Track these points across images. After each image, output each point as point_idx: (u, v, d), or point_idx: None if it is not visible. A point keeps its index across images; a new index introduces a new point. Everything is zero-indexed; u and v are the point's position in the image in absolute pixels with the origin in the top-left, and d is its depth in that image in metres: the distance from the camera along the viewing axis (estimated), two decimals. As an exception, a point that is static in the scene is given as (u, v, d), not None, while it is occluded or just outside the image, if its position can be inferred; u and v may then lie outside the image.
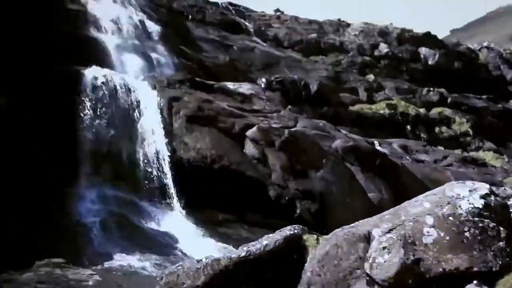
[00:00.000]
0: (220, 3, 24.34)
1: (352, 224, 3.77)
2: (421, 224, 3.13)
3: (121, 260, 7.11)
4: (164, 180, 9.47)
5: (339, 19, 26.83)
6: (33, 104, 9.67)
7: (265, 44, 21.32)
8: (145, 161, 9.67)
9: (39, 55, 10.88)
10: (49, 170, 8.87)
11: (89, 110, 10.04)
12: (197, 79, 12.73)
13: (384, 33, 24.67)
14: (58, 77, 10.51)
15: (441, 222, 3.10)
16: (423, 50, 23.84)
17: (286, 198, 9.62)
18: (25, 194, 8.25)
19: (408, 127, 18.21)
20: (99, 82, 10.56)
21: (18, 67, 10.10)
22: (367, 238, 3.42)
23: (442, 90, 20.69)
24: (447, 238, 3.00)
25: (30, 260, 6.32)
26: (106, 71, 11.30)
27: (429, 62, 23.37)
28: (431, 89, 20.61)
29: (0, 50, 10.11)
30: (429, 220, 3.15)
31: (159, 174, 9.53)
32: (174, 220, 8.96)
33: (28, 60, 10.50)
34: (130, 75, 12.28)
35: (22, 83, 9.92)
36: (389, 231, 3.18)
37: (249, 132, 10.48)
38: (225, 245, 8.27)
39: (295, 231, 4.04)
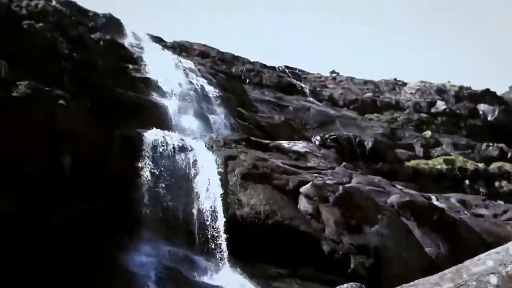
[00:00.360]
0: (277, 67, 25.07)
1: (412, 283, 3.60)
2: (484, 284, 3.03)
3: None
4: (218, 235, 9.62)
5: (395, 79, 26.94)
6: (96, 163, 10.20)
7: (320, 104, 21.65)
8: (200, 217, 9.91)
9: (103, 119, 11.53)
10: (108, 226, 9.27)
11: (148, 168, 10.51)
12: (252, 138, 13.06)
13: (441, 91, 24.54)
14: (121, 138, 11.10)
15: (505, 282, 2.99)
16: (482, 107, 23.52)
17: (340, 252, 9.53)
18: (84, 247, 8.65)
19: (467, 181, 17.78)
20: (158, 143, 11.07)
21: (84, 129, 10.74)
22: None
23: (502, 145, 20.23)
24: None
25: None
26: (165, 132, 11.82)
27: (488, 118, 22.99)
28: (490, 144, 20.20)
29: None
30: (493, 279, 3.04)
31: (213, 229, 9.71)
32: (226, 275, 9.00)
33: (94, 124, 11.12)
34: (188, 136, 12.77)
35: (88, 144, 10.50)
36: None
37: (303, 189, 10.56)
38: (278, 299, 8.23)
39: None
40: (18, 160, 9.31)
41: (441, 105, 23.11)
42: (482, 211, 13.01)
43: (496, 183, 18.16)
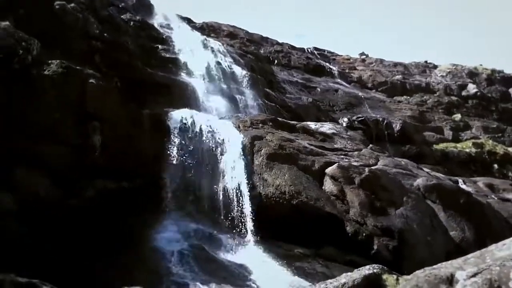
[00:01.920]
0: (305, 48, 24.95)
1: (434, 266, 3.69)
2: (508, 269, 3.03)
3: None
4: (242, 214, 9.76)
5: (425, 61, 26.55)
6: (125, 142, 10.40)
7: (348, 86, 21.52)
8: (225, 196, 10.05)
9: (133, 98, 11.71)
10: (135, 204, 9.48)
11: (176, 148, 10.69)
12: (279, 119, 13.11)
13: (473, 74, 24.12)
14: (150, 118, 11.27)
15: None
16: (513, 90, 23.07)
17: (364, 234, 9.55)
18: (113, 221, 8.87)
19: (495, 165, 17.53)
20: (186, 123, 11.21)
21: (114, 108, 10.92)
22: (450, 281, 3.32)
23: (533, 129, 19.88)
24: None
25: (111, 286, 6.44)
26: (193, 112, 11.95)
27: (520, 102, 22.56)
28: (521, 128, 19.89)
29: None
30: None
31: (238, 208, 9.85)
32: (250, 253, 9.11)
33: (123, 103, 11.30)
34: (216, 116, 12.90)
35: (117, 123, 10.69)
36: (474, 274, 3.13)
37: (328, 170, 10.58)
38: (300, 278, 8.26)
39: (374, 270, 4.01)
40: (49, 139, 9.53)
41: (472, 88, 22.73)
42: (510, 195, 12.84)
43: (525, 168, 17.88)
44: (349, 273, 4.05)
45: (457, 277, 3.27)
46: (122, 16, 16.13)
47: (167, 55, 15.86)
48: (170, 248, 8.53)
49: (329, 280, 4.05)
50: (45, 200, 8.92)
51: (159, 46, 16.08)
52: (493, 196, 12.42)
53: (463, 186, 12.28)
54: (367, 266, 4.08)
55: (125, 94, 11.56)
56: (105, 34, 13.30)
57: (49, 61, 10.27)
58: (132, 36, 15.13)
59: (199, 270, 7.94)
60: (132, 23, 16.31)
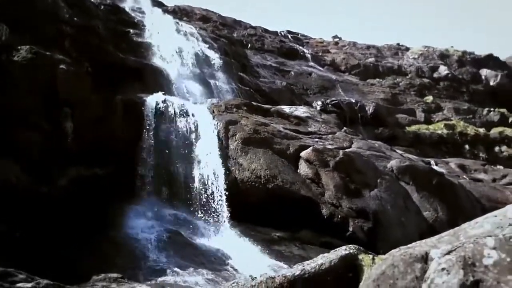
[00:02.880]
0: (279, 32, 24.88)
1: (409, 245, 3.73)
2: (481, 246, 3.08)
3: (175, 275, 7.22)
4: (218, 199, 9.74)
5: (398, 44, 26.75)
6: (98, 128, 10.28)
7: (322, 69, 21.57)
8: (201, 181, 10.02)
9: (105, 84, 11.53)
10: (110, 190, 9.39)
11: (150, 134, 10.59)
12: (253, 103, 13.09)
13: (444, 55, 24.40)
14: (123, 104, 11.12)
15: (502, 244, 3.03)
16: (484, 72, 23.41)
17: (339, 216, 9.65)
18: (87, 209, 8.79)
19: (467, 146, 17.87)
20: (160, 108, 11.11)
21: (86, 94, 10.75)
22: (425, 259, 3.36)
23: (503, 110, 20.23)
24: (508, 259, 2.94)
25: (88, 274, 6.46)
26: (167, 97, 11.84)
27: (491, 84, 22.91)
28: (492, 109, 20.21)
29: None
30: (490, 242, 3.08)
31: (214, 193, 9.83)
32: (226, 238, 9.14)
33: (95, 89, 11.13)
34: (190, 101, 12.81)
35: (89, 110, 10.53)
36: (449, 252, 3.16)
37: (303, 153, 10.63)
38: (277, 261, 8.34)
39: (351, 251, 4.05)
40: (20, 126, 9.36)
41: (443, 70, 23.01)
42: (481, 175, 13.10)
43: (496, 148, 18.24)
44: (326, 254, 4.09)
45: (432, 255, 3.31)
46: (92, 0, 15.81)
47: (139, 40, 15.63)
48: (147, 234, 8.48)
49: (307, 262, 4.08)
50: (17, 187, 8.78)
51: (131, 30, 15.83)
52: (464, 176, 12.66)
53: (436, 167, 12.48)
54: (344, 247, 4.12)
55: (97, 80, 11.37)
56: (75, 18, 13.01)
57: (19, 47, 10.06)
58: (102, 20, 14.84)
59: (176, 256, 7.93)
60: (102, 6, 16.00)
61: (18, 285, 4.67)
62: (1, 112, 9.14)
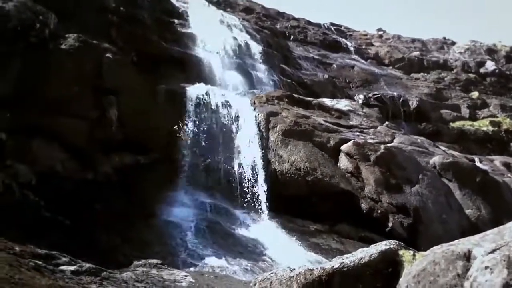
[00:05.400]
0: (322, 24, 24.69)
1: (452, 242, 3.68)
2: None
3: (213, 263, 7.30)
4: (258, 190, 9.80)
5: (444, 37, 26.18)
6: (141, 117, 10.46)
7: (365, 62, 21.31)
8: (240, 171, 10.09)
9: (149, 73, 11.71)
10: (151, 178, 9.57)
11: (192, 123, 10.71)
12: (295, 95, 13.05)
13: (491, 51, 23.75)
14: (165, 93, 11.28)
15: None
16: (533, 68, 22.71)
17: (378, 211, 9.56)
18: (129, 196, 8.98)
19: (512, 144, 17.43)
20: (201, 98, 11.21)
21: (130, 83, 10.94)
22: (467, 257, 3.32)
23: (551, 107, 19.62)
24: None
25: (129, 259, 6.59)
26: (209, 87, 11.94)
27: (539, 80, 22.22)
28: (539, 106, 19.63)
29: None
30: None
31: (253, 184, 9.89)
32: (265, 228, 9.17)
33: (139, 78, 11.31)
34: (231, 92, 12.88)
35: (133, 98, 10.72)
36: (493, 251, 3.10)
37: (344, 147, 10.56)
38: (314, 254, 8.31)
39: (391, 246, 3.97)
40: (67, 114, 9.60)
41: (490, 66, 22.42)
42: (526, 174, 12.75)
43: (543, 146, 17.71)
44: (365, 248, 4.03)
45: (475, 253, 3.26)
46: (138, -10, 16.02)
47: (183, 30, 15.76)
48: (186, 222, 8.61)
49: (346, 255, 4.03)
50: (62, 173, 9.02)
51: (175, 21, 15.98)
52: (509, 175, 12.33)
53: (479, 165, 12.20)
54: (384, 242, 4.05)
55: (141, 69, 11.57)
56: (121, 8, 13.25)
57: (66, 35, 10.31)
58: (147, 10, 15.03)
59: (214, 244, 8.02)
60: (148, -3, 16.20)
61: (62, 267, 4.81)
62: (49, 99, 9.40)
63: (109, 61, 10.50)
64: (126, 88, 10.60)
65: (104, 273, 5.12)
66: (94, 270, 4.98)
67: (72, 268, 4.85)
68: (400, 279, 3.67)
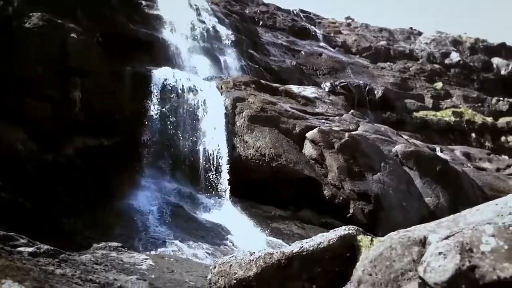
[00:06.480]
0: (291, 10, 24.67)
1: (408, 228, 3.72)
2: (480, 233, 3.06)
3: (174, 247, 7.31)
4: (222, 175, 9.82)
5: (410, 28, 26.49)
6: (105, 99, 10.32)
7: (333, 50, 21.43)
8: (205, 156, 10.08)
9: (114, 55, 11.53)
10: (115, 162, 9.47)
11: (157, 107, 10.62)
12: (262, 81, 13.07)
13: (457, 42, 24.16)
14: (131, 75, 11.14)
15: (501, 232, 3.01)
16: (496, 60, 23.18)
17: (341, 198, 9.71)
18: (91, 178, 8.88)
19: (473, 135, 17.85)
20: (167, 81, 11.11)
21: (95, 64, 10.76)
22: (423, 243, 3.38)
23: (513, 100, 20.13)
24: (506, 247, 2.92)
25: (90, 242, 6.47)
26: (176, 71, 11.84)
27: (502, 72, 22.70)
28: (501, 98, 20.08)
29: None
30: (489, 229, 3.06)
31: (217, 169, 9.90)
32: (227, 213, 9.21)
33: (105, 59, 11.13)
34: (198, 76, 12.80)
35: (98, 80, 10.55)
36: (447, 237, 3.15)
37: (309, 134, 10.65)
38: (276, 239, 8.41)
39: (350, 231, 4.03)
40: (29, 94, 9.41)
41: (455, 57, 22.81)
42: (486, 164, 13.10)
43: (503, 138, 18.19)
44: (325, 233, 4.06)
45: (430, 239, 3.32)
46: (105, -30, 15.70)
47: (151, 12, 15.55)
48: (149, 206, 8.58)
49: (305, 240, 4.06)
50: (22, 154, 8.86)
51: (143, 2, 15.75)
52: (469, 164, 12.66)
53: (440, 154, 12.48)
54: (343, 227, 4.09)
55: (107, 50, 11.37)
56: (88, -13, 12.97)
57: (30, 14, 10.06)
58: (115, -10, 14.78)
59: (176, 228, 8.02)
60: (115, -23, 15.90)
61: (19, 249, 4.73)
62: (11, 79, 9.19)
63: (74, 41, 10.29)
64: (91, 69, 10.42)
65: (63, 255, 5.04)
66: (53, 252, 4.91)
67: (30, 249, 4.77)
68: (357, 264, 3.72)
